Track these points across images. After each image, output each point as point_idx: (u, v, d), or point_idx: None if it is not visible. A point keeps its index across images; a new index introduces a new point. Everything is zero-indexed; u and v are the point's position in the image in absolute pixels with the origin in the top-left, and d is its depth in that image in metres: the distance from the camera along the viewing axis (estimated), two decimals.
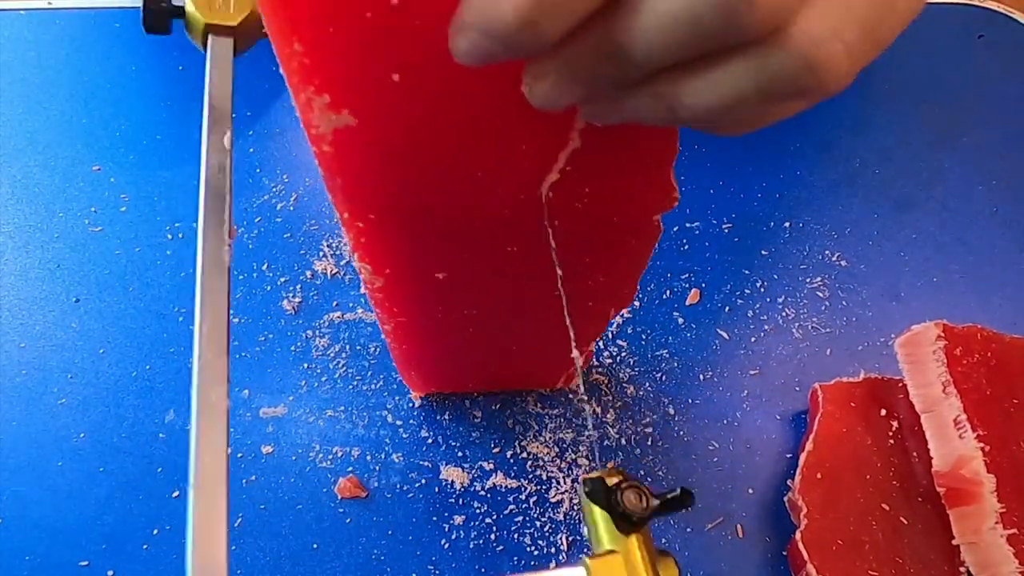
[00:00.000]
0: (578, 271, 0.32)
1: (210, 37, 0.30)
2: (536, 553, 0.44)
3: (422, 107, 0.23)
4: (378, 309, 0.36)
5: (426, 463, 0.47)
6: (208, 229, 0.27)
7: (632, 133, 0.25)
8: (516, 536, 0.44)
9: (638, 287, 0.35)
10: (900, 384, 0.46)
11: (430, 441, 0.47)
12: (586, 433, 0.48)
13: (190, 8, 0.30)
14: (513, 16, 0.17)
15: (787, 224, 0.57)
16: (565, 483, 0.46)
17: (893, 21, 0.19)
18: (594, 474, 0.24)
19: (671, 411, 0.49)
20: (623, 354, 0.51)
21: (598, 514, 0.24)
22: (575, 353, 0.31)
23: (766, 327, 0.52)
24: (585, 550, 0.44)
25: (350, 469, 0.46)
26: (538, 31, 0.17)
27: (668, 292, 0.53)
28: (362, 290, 0.53)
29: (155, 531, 0.44)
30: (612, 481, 0.24)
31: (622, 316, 0.52)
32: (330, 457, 0.46)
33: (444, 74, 0.22)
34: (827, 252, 0.56)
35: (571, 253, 0.31)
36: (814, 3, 0.17)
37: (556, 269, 0.31)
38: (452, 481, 0.46)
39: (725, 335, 0.52)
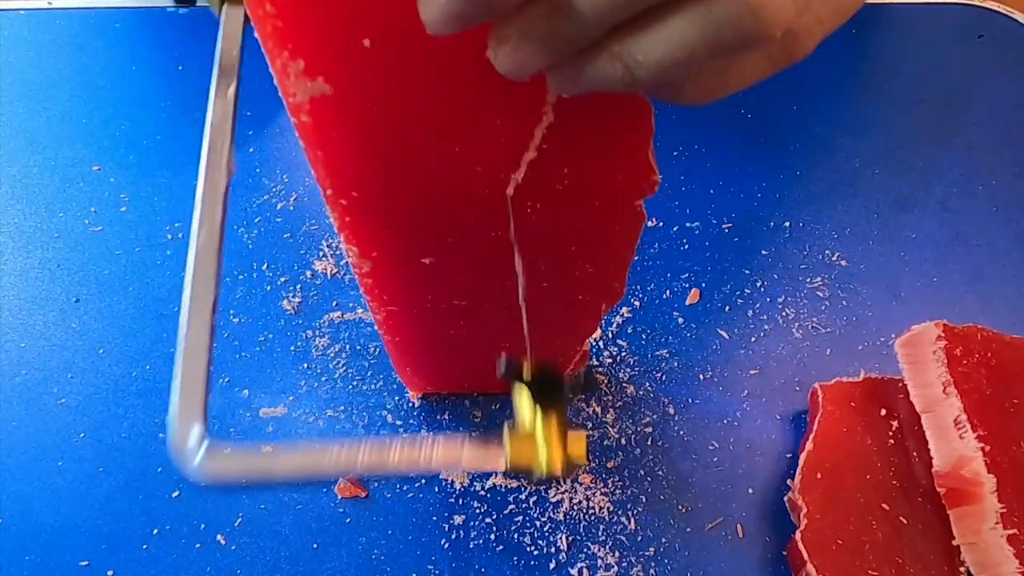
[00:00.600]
0: (564, 260, 0.33)
1: (225, 5, 0.34)
2: (536, 553, 0.44)
3: (395, 76, 0.24)
4: (368, 297, 0.36)
5: None
6: (210, 167, 0.30)
7: (606, 109, 0.25)
8: (516, 536, 0.44)
9: (627, 281, 0.35)
10: (900, 384, 0.46)
11: None
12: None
13: None
14: None
15: (787, 224, 0.57)
16: (565, 483, 0.46)
17: None
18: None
19: (671, 411, 0.49)
20: (623, 354, 0.51)
21: (521, 388, 0.28)
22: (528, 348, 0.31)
23: (766, 327, 0.52)
24: (585, 549, 0.44)
25: None
26: None
27: (668, 292, 0.53)
28: (362, 289, 0.53)
29: (155, 531, 0.44)
30: (527, 369, 0.27)
31: (622, 316, 0.52)
32: None
33: (415, 41, 0.22)
34: (827, 252, 0.56)
35: (555, 240, 0.31)
36: None
37: (529, 265, 0.31)
38: (452, 481, 0.46)
39: (725, 335, 0.52)
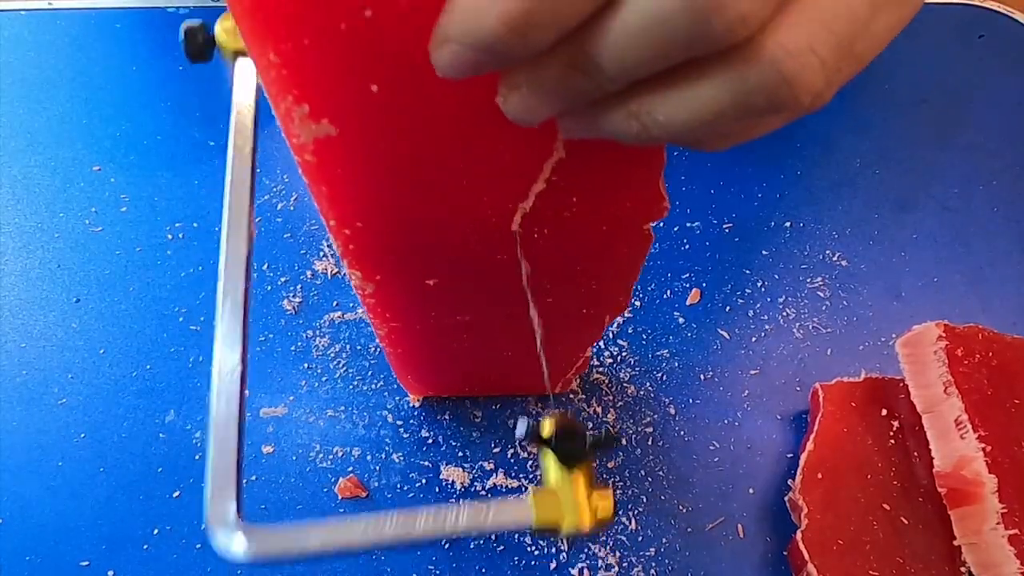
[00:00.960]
0: (569, 279, 0.32)
1: (238, 59, 0.34)
2: (536, 552, 0.44)
3: (404, 118, 0.23)
4: (371, 314, 0.36)
5: (426, 463, 0.46)
6: (231, 234, 0.29)
7: (617, 145, 0.25)
8: (516, 536, 0.44)
9: (633, 293, 0.35)
10: (901, 384, 0.46)
11: (430, 441, 0.47)
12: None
13: (220, 38, 0.34)
14: (501, 26, 0.17)
15: (788, 224, 0.57)
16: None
17: (870, 40, 0.19)
18: (546, 418, 0.28)
19: (672, 411, 0.49)
20: (623, 354, 0.51)
21: (547, 452, 0.28)
22: (545, 373, 0.31)
23: (767, 327, 0.52)
24: (586, 549, 0.44)
25: (350, 469, 0.46)
26: (527, 40, 0.17)
27: (668, 292, 0.53)
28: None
29: (155, 531, 0.44)
30: (548, 427, 0.27)
31: (622, 316, 0.52)
32: (330, 457, 0.46)
33: (424, 85, 0.22)
34: (828, 252, 0.56)
35: (561, 261, 0.31)
36: (788, 14, 0.17)
37: (534, 282, 0.31)
38: (452, 481, 0.46)
39: (726, 335, 0.52)
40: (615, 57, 0.17)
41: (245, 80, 0.33)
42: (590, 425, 0.48)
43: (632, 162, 0.26)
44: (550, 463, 0.28)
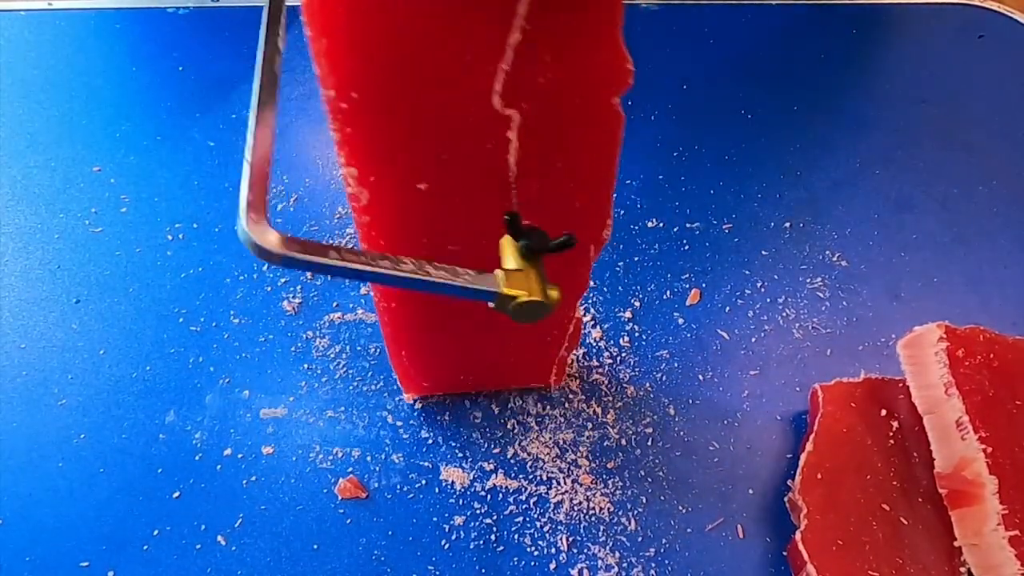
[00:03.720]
0: (547, 179, 0.33)
1: None
2: (536, 553, 0.44)
3: None
4: (365, 244, 0.37)
5: (426, 463, 0.46)
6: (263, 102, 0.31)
7: None
8: (516, 536, 0.44)
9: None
10: (900, 384, 0.46)
11: (430, 442, 0.47)
12: (586, 433, 0.48)
13: None
14: None
15: (787, 224, 0.57)
16: (565, 483, 0.46)
17: None
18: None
19: (671, 411, 0.49)
20: (623, 354, 0.51)
21: (508, 243, 0.32)
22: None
23: (766, 327, 0.52)
24: (586, 549, 0.44)
25: (350, 470, 0.46)
26: None
27: (668, 292, 0.53)
28: (363, 291, 0.53)
29: (155, 531, 0.44)
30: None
31: (622, 317, 0.52)
32: (330, 458, 0.46)
33: None
34: (827, 252, 0.56)
35: (538, 152, 0.32)
36: None
37: (520, 183, 0.33)
38: (452, 481, 0.46)
39: (725, 335, 0.52)
40: None
41: None
42: (589, 425, 0.48)
43: (589, 8, 0.27)
44: (509, 253, 0.32)
